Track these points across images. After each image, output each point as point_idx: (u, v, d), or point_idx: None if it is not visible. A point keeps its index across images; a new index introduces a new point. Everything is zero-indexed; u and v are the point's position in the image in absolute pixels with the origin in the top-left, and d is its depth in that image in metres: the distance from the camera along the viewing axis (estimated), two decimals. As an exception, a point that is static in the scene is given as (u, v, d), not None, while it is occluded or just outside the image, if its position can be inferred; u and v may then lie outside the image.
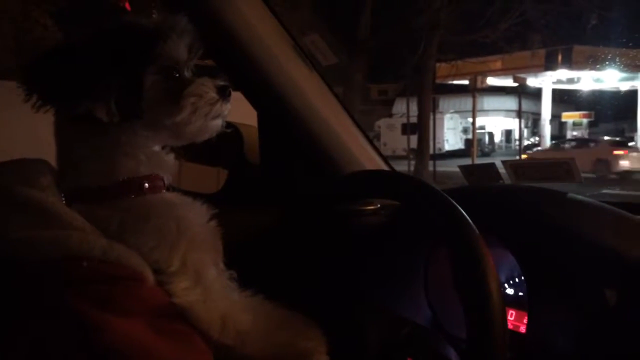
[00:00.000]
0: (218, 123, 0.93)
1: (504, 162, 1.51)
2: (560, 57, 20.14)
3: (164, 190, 0.90)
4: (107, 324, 0.69)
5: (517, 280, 1.16)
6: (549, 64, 20.57)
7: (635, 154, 17.03)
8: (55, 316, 0.70)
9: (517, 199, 1.23)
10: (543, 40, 17.94)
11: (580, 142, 20.15)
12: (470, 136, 23.12)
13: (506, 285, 1.18)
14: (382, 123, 28.44)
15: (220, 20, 1.31)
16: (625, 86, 23.41)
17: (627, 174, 14.98)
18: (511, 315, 1.15)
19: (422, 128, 16.32)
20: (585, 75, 21.90)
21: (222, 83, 0.91)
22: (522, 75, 19.42)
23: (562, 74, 22.02)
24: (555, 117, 26.59)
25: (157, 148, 0.91)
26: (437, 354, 1.04)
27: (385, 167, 1.58)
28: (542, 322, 1.04)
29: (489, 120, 31.53)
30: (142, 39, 0.83)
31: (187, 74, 0.90)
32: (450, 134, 27.78)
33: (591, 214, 1.15)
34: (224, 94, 0.91)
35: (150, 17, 0.90)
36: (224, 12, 1.31)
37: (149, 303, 0.76)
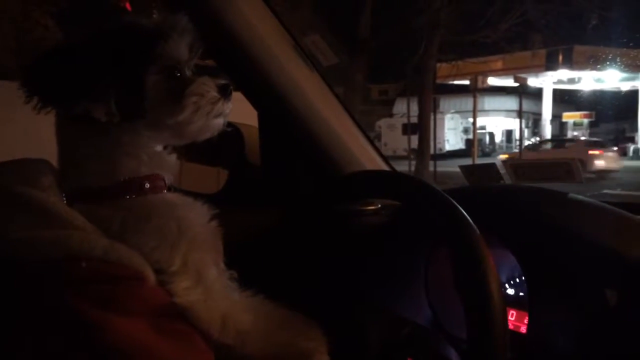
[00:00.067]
0: (220, 122, 0.93)
1: (504, 162, 1.52)
2: (561, 57, 20.16)
3: (165, 191, 0.90)
4: (109, 324, 0.69)
5: (517, 280, 1.16)
6: (550, 64, 20.59)
7: (610, 153, 17.58)
8: (56, 316, 0.70)
9: (517, 199, 1.23)
10: (544, 40, 17.95)
11: (557, 142, 20.79)
12: (470, 136, 23.12)
13: (507, 285, 1.18)
14: (382, 123, 28.46)
15: (220, 20, 1.31)
16: (626, 86, 23.43)
17: (602, 173, 15.32)
18: (512, 315, 1.15)
19: (422, 128, 16.33)
20: (586, 76, 21.93)
21: (223, 82, 0.91)
22: (522, 75, 19.44)
23: (563, 74, 22.04)
24: (556, 117, 26.61)
25: (158, 148, 0.91)
26: (437, 354, 1.05)
27: (385, 167, 1.58)
28: (543, 322, 1.04)
29: (490, 120, 31.54)
30: (144, 39, 0.83)
31: (188, 73, 0.90)
32: (451, 134, 27.79)
33: (592, 214, 1.15)
34: (225, 92, 0.91)
35: (150, 17, 0.90)
36: (225, 12, 1.31)
37: (150, 303, 0.76)
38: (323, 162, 1.46)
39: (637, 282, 0.98)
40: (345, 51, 14.45)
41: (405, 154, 19.45)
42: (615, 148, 19.40)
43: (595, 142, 18.88)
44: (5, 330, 0.71)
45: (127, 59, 0.80)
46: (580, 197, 1.19)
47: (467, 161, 16.30)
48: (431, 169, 16.02)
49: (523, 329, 1.11)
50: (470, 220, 0.84)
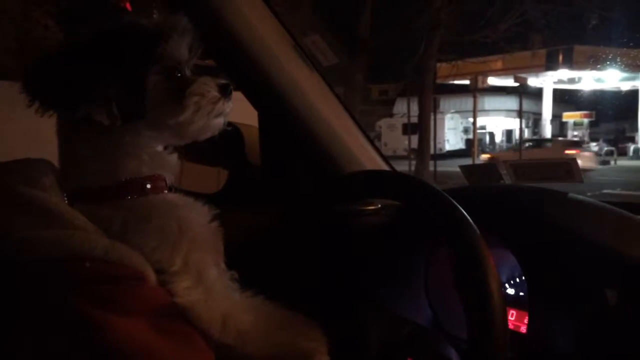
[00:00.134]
0: (220, 121, 0.93)
1: (504, 162, 1.52)
2: (561, 57, 20.17)
3: (166, 191, 0.90)
4: (110, 324, 0.69)
5: (517, 280, 1.16)
6: (550, 64, 20.60)
7: (586, 153, 18.57)
8: (58, 316, 0.70)
9: (517, 199, 1.23)
10: (544, 40, 17.96)
11: (536, 142, 21.70)
12: (471, 136, 23.14)
13: (507, 285, 1.18)
14: (383, 123, 28.48)
15: (220, 20, 1.31)
16: (626, 86, 23.43)
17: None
18: (512, 315, 1.15)
19: (422, 128, 16.33)
20: (586, 75, 21.93)
21: (223, 81, 0.91)
22: (523, 75, 19.44)
23: (563, 73, 22.05)
24: (556, 117, 26.61)
25: (159, 148, 0.91)
26: (437, 354, 1.05)
27: (386, 167, 1.58)
28: (543, 322, 1.04)
29: (490, 120, 31.55)
30: (144, 40, 0.83)
31: (188, 73, 0.90)
32: (451, 134, 27.81)
33: (592, 214, 1.15)
34: (225, 92, 0.91)
35: (151, 17, 0.90)
36: (225, 12, 1.31)
37: (151, 303, 0.76)
38: (323, 162, 1.46)
39: (637, 282, 0.98)
40: (346, 51, 14.45)
41: (405, 153, 19.47)
42: (594, 148, 20.60)
43: (572, 142, 20.07)
44: (6, 330, 0.71)
45: (128, 60, 0.81)
46: (580, 197, 1.19)
47: (467, 161, 16.33)
48: (431, 168, 16.02)
49: (523, 329, 1.11)
50: (470, 220, 0.84)
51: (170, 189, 0.91)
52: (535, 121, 29.92)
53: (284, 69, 1.39)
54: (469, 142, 24.75)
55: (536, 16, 15.49)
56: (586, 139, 24.12)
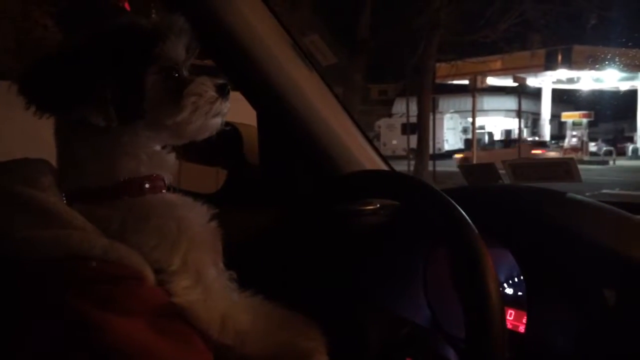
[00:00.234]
0: (218, 121, 0.93)
1: (503, 162, 1.52)
2: (560, 57, 20.18)
3: (165, 191, 0.90)
4: (109, 324, 0.69)
5: (516, 280, 1.16)
6: (549, 64, 20.60)
7: (552, 153, 20.31)
8: (57, 316, 0.70)
9: (516, 199, 1.23)
10: (543, 40, 17.97)
11: (506, 143, 22.94)
12: (470, 136, 23.13)
13: (505, 285, 1.18)
14: (382, 123, 28.49)
15: (219, 20, 1.31)
16: (625, 86, 23.45)
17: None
18: (510, 315, 1.15)
19: (421, 128, 16.33)
20: (585, 75, 21.95)
21: (220, 81, 0.91)
22: (522, 75, 19.46)
23: (562, 73, 22.06)
24: (555, 117, 26.62)
25: (157, 148, 0.91)
26: (436, 354, 1.05)
27: (384, 167, 1.58)
28: (541, 322, 1.04)
29: (489, 120, 31.57)
30: (142, 40, 0.83)
31: (185, 73, 0.90)
32: (450, 134, 27.83)
33: (591, 214, 1.16)
34: (223, 92, 0.91)
35: (149, 17, 0.90)
36: (224, 12, 1.31)
37: (150, 303, 0.76)
38: (322, 162, 1.46)
39: (636, 282, 0.98)
40: (345, 51, 14.46)
41: (404, 153, 19.49)
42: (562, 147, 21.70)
43: (538, 142, 21.33)
44: (6, 330, 0.71)
45: (126, 60, 0.81)
46: (579, 196, 1.19)
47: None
48: (430, 168, 16.03)
49: (521, 329, 1.11)
50: (469, 220, 0.84)
51: (168, 189, 0.91)
52: (534, 121, 29.93)
53: (283, 68, 1.39)
54: (468, 142, 24.75)
55: (535, 16, 15.51)
56: (585, 138, 24.11)
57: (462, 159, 18.99)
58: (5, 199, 0.77)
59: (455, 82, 21.28)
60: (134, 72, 0.82)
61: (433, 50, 15.59)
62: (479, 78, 17.79)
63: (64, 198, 0.81)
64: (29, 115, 0.81)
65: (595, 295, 0.98)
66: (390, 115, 29.50)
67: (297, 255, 1.21)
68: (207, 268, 0.85)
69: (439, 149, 22.88)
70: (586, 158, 21.98)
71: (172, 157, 0.93)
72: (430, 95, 16.53)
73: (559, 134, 27.77)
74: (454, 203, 0.87)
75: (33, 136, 0.90)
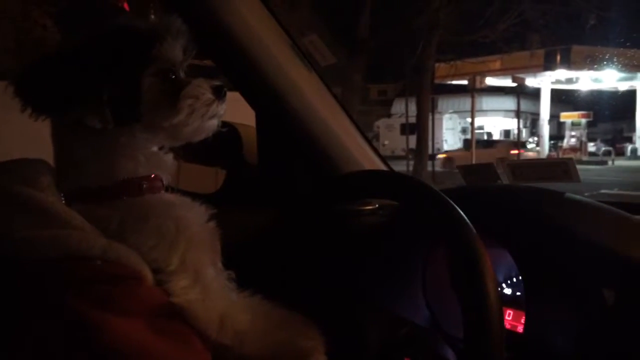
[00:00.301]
0: (214, 123, 0.93)
1: (501, 162, 1.52)
2: (559, 57, 20.17)
3: (163, 191, 0.90)
4: (107, 324, 0.69)
5: (515, 280, 1.17)
6: (548, 64, 20.59)
7: (529, 153, 21.13)
8: (56, 316, 0.70)
9: (515, 199, 1.23)
10: (542, 40, 17.97)
11: (485, 143, 23.72)
12: (469, 136, 23.14)
13: (504, 285, 1.18)
14: (381, 123, 28.50)
15: (218, 20, 1.31)
16: (623, 86, 23.45)
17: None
18: (509, 315, 1.15)
19: (421, 128, 16.32)
20: (584, 75, 21.94)
21: (217, 83, 0.91)
22: (520, 76, 19.45)
23: (561, 74, 22.04)
24: (554, 117, 26.60)
25: (155, 149, 0.91)
26: (435, 354, 1.05)
27: (383, 167, 1.58)
28: (540, 322, 1.04)
29: (488, 120, 31.57)
30: (139, 42, 0.83)
31: (182, 75, 0.90)
32: (449, 134, 27.81)
33: (589, 214, 1.16)
34: (219, 94, 0.91)
35: (148, 18, 0.90)
36: (222, 13, 1.31)
37: (148, 303, 0.76)
38: (321, 162, 1.46)
39: (634, 282, 0.98)
40: (344, 51, 14.46)
41: (403, 154, 19.49)
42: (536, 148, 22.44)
43: (516, 143, 22.03)
44: (6, 330, 0.71)
45: (122, 62, 0.81)
46: (577, 197, 1.19)
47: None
48: (429, 168, 16.04)
49: (520, 329, 1.11)
50: (467, 220, 0.84)
51: (167, 189, 0.91)
52: (533, 121, 29.91)
53: (282, 68, 1.39)
54: (467, 142, 24.77)
55: (534, 16, 15.52)
56: (584, 139, 24.14)
57: (444, 159, 19.23)
58: (4, 199, 0.77)
59: (455, 82, 21.28)
60: (131, 74, 0.82)
61: (432, 50, 15.59)
62: (478, 78, 17.78)
63: (63, 198, 0.81)
64: (28, 116, 0.81)
65: (594, 295, 0.98)
66: (389, 116, 29.50)
67: (296, 255, 1.21)
68: (206, 268, 0.85)
69: (438, 149, 22.89)
70: (585, 158, 22.10)
71: (169, 158, 0.93)
72: (429, 95, 16.52)
73: (558, 134, 27.78)
74: (453, 203, 0.87)
75: (32, 136, 0.90)
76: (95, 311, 0.70)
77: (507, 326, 1.13)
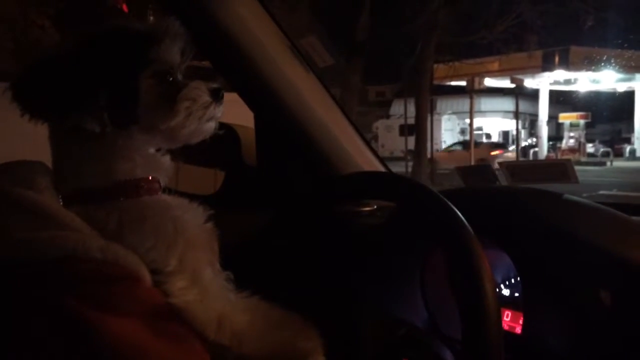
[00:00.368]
0: (212, 125, 0.93)
1: (500, 163, 1.52)
2: (557, 58, 20.22)
3: (160, 192, 0.90)
4: (106, 325, 0.70)
5: (513, 281, 1.17)
6: (546, 65, 20.64)
7: (509, 154, 21.59)
8: (54, 316, 0.70)
9: (513, 200, 1.23)
10: (540, 41, 18.00)
11: (466, 144, 23.88)
12: (467, 137, 23.18)
13: (502, 286, 1.18)
14: (379, 124, 28.55)
15: (217, 22, 1.32)
16: (622, 87, 23.51)
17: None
18: (507, 316, 1.15)
19: (419, 129, 16.34)
20: (582, 77, 21.99)
21: (214, 86, 0.92)
22: (519, 77, 19.49)
23: (559, 75, 22.09)
24: (553, 118, 26.66)
25: (152, 150, 0.91)
26: (433, 355, 1.05)
27: (382, 169, 1.58)
28: (538, 322, 1.04)
29: (487, 121, 31.62)
30: (137, 44, 0.84)
31: (180, 77, 0.91)
32: (448, 135, 27.85)
33: (587, 215, 1.16)
34: (216, 96, 0.92)
35: (147, 19, 0.90)
36: (221, 14, 1.32)
37: (147, 303, 0.77)
38: (319, 163, 1.46)
39: (632, 283, 0.98)
40: (343, 52, 14.47)
41: (402, 155, 19.51)
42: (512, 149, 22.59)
43: (496, 144, 22.90)
44: (4, 331, 0.71)
45: (119, 65, 0.81)
46: (575, 198, 1.20)
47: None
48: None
49: (518, 330, 1.11)
50: (465, 221, 0.85)
51: (164, 191, 0.91)
52: (532, 122, 29.95)
53: (280, 70, 1.39)
54: (465, 144, 24.81)
55: (532, 17, 15.56)
56: (582, 140, 24.18)
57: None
58: (2, 201, 0.77)
59: (453, 83, 21.34)
60: (128, 77, 0.82)
61: (431, 51, 15.62)
62: (476, 79, 17.82)
63: (61, 200, 0.81)
64: (27, 120, 0.81)
65: (591, 296, 0.98)
66: (388, 117, 29.55)
67: (294, 256, 1.21)
68: (204, 268, 0.85)
69: (437, 150, 22.93)
70: (583, 159, 22.16)
71: (167, 160, 0.93)
72: (428, 96, 16.54)
73: (556, 135, 27.83)
74: (451, 204, 0.87)
75: (31, 139, 0.90)
76: (93, 312, 0.70)
77: (505, 327, 1.13)
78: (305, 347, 0.91)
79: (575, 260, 1.03)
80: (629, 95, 24.32)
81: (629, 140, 25.90)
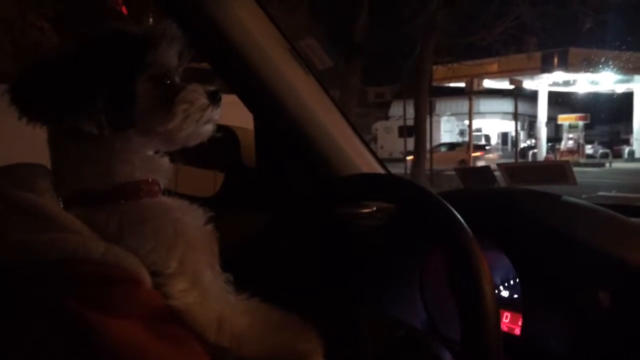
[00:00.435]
0: (209, 128, 0.94)
1: (499, 165, 1.53)
2: (556, 60, 20.25)
3: (160, 195, 0.90)
4: (106, 326, 0.70)
5: (512, 282, 1.17)
6: (545, 67, 20.67)
7: (490, 155, 22.62)
8: (54, 318, 0.70)
9: (511, 202, 1.23)
10: (539, 42, 18.03)
11: (449, 145, 24.80)
12: (466, 139, 23.19)
13: (501, 287, 1.19)
14: (379, 126, 28.57)
15: (216, 24, 1.32)
16: (620, 88, 23.55)
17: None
18: (506, 317, 1.15)
19: (418, 131, 16.34)
20: (581, 78, 22.02)
21: (212, 88, 0.92)
22: (518, 78, 19.53)
23: (558, 76, 22.13)
24: (552, 120, 26.69)
25: (150, 153, 0.91)
26: (432, 356, 1.05)
27: (381, 170, 1.58)
28: (537, 324, 1.05)
29: (486, 122, 31.65)
30: (134, 47, 0.84)
31: (177, 80, 0.91)
32: (447, 137, 27.86)
33: (585, 217, 1.16)
34: (214, 99, 0.92)
35: (146, 22, 0.90)
36: (220, 16, 1.32)
37: (147, 305, 0.77)
38: (318, 165, 1.46)
39: (630, 284, 0.98)
40: (342, 53, 14.48)
41: (401, 156, 19.50)
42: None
43: (478, 145, 23.20)
44: (4, 332, 0.71)
45: (117, 68, 0.81)
46: (573, 199, 1.20)
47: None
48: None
49: (517, 331, 1.11)
50: (464, 223, 0.85)
51: (164, 193, 0.91)
52: (531, 123, 29.99)
53: (280, 72, 1.40)
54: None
55: (531, 19, 15.57)
56: (581, 141, 24.22)
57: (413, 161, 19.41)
58: (2, 203, 0.77)
59: (452, 84, 21.33)
60: (125, 80, 0.82)
61: (429, 52, 15.61)
62: (475, 81, 17.83)
63: (61, 202, 0.81)
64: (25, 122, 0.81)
65: (590, 298, 0.98)
66: (387, 118, 29.57)
67: (294, 258, 1.21)
68: (204, 271, 0.85)
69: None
70: (582, 160, 22.20)
71: (166, 162, 0.93)
72: (427, 97, 16.53)
73: (555, 136, 27.86)
74: (449, 206, 0.88)
75: (31, 141, 0.90)
76: (93, 313, 0.70)
77: (504, 328, 1.14)
78: (304, 348, 0.91)
79: (574, 262, 1.03)
80: (628, 96, 24.36)
81: (627, 142, 25.93)
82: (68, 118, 0.79)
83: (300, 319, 0.95)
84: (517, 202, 1.23)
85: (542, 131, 25.34)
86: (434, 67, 17.12)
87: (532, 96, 25.51)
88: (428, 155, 16.38)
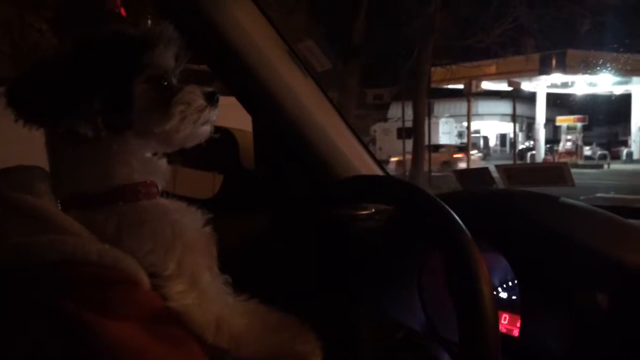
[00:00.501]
0: (207, 129, 0.93)
1: (497, 166, 1.53)
2: (554, 62, 20.30)
3: (158, 197, 0.90)
4: (104, 328, 0.70)
5: (510, 284, 1.17)
6: (543, 68, 20.72)
7: (474, 156, 21.87)
8: (53, 318, 0.70)
9: (510, 203, 1.23)
10: (537, 44, 18.07)
11: (434, 147, 24.86)
12: (465, 140, 23.22)
13: (499, 289, 1.19)
14: (377, 127, 28.59)
15: (215, 26, 1.32)
16: (618, 90, 23.60)
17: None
18: (504, 319, 1.15)
19: (417, 132, 16.36)
20: (579, 80, 22.07)
21: (209, 90, 0.92)
22: (516, 80, 19.55)
23: (556, 78, 22.17)
24: (550, 121, 26.74)
25: (148, 154, 0.91)
26: (431, 357, 1.05)
27: (379, 172, 1.58)
28: (535, 325, 1.05)
29: (484, 124, 31.71)
30: (131, 49, 0.84)
31: (174, 81, 0.91)
32: (445, 138, 27.88)
33: (584, 218, 1.16)
34: (211, 100, 0.92)
35: (145, 23, 0.91)
36: (219, 18, 1.32)
37: (145, 307, 0.77)
38: (317, 167, 1.46)
39: (628, 286, 0.98)
40: (340, 56, 14.49)
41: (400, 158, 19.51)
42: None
43: (460, 147, 23.61)
44: (3, 333, 0.71)
45: (114, 70, 0.81)
46: (572, 201, 1.20)
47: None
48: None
49: (516, 333, 1.11)
50: (462, 224, 0.85)
51: (162, 195, 0.91)
52: (529, 125, 30.05)
53: (278, 74, 1.40)
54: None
55: (529, 21, 15.61)
56: (579, 142, 24.27)
57: (397, 162, 19.43)
58: (1, 205, 0.77)
59: (451, 86, 21.39)
60: (122, 81, 0.82)
61: (428, 54, 15.65)
62: (473, 82, 17.85)
63: (59, 204, 0.81)
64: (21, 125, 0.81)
65: (588, 299, 0.98)
66: (385, 120, 29.59)
67: (293, 260, 1.21)
68: (202, 272, 0.85)
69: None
70: (581, 162, 22.27)
71: (164, 163, 0.93)
72: (425, 99, 16.55)
73: (553, 138, 27.91)
74: (448, 208, 0.88)
75: (29, 143, 0.90)
76: (92, 314, 0.70)
77: (503, 330, 1.14)
78: (303, 350, 0.91)
79: (572, 263, 1.03)
80: (626, 98, 24.41)
81: (625, 143, 25.99)
82: (64, 120, 0.79)
83: (299, 320, 0.95)
84: (515, 203, 1.23)
85: (541, 133, 25.38)
86: (433, 69, 17.16)
87: (531, 98, 25.57)
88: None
